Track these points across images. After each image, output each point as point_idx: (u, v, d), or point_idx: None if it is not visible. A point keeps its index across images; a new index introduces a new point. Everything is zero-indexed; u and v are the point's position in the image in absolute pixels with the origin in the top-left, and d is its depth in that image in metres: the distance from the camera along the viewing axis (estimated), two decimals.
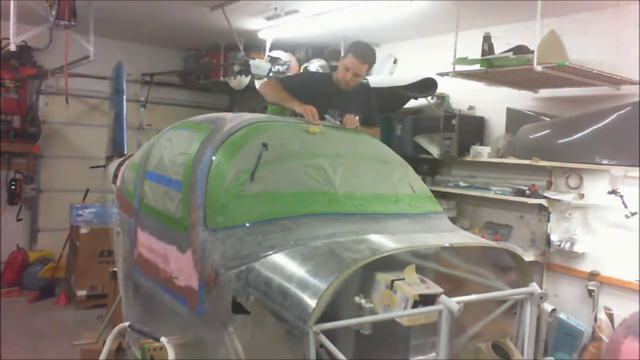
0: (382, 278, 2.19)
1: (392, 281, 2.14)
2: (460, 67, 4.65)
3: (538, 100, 5.16)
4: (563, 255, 4.80)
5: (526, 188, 4.78)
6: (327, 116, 3.64)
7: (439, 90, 5.59)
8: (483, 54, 4.55)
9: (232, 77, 6.47)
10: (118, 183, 3.98)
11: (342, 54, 4.34)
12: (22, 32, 5.26)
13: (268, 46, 6.31)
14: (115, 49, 7.44)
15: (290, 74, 6.47)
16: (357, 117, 3.59)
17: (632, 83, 4.35)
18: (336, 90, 3.79)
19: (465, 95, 5.62)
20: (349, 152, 3.14)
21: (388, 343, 2.36)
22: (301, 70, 6.79)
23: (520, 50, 4.31)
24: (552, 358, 4.33)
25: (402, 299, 2.08)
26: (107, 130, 6.36)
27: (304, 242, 2.40)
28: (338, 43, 6.65)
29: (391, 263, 2.23)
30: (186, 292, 2.74)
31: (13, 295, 6.71)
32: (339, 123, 3.59)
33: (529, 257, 4.76)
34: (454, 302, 1.97)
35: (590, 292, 4.55)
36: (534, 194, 4.72)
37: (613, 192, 4.34)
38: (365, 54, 3.73)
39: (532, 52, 4.05)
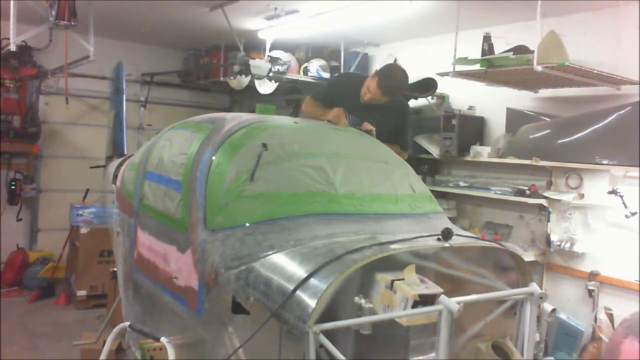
0: (382, 278, 2.19)
1: (392, 281, 2.14)
2: (460, 67, 4.65)
3: (538, 100, 5.16)
4: (563, 255, 4.80)
5: (526, 188, 4.77)
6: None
7: (439, 90, 5.60)
8: (483, 54, 4.55)
9: (232, 77, 6.47)
10: (118, 183, 3.98)
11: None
12: (22, 32, 5.25)
13: (268, 46, 6.31)
14: (115, 49, 7.44)
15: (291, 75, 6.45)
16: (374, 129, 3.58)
17: (632, 83, 4.35)
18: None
19: (465, 95, 5.62)
20: (348, 152, 3.14)
21: (388, 343, 2.35)
22: (300, 71, 6.80)
23: (520, 50, 4.31)
24: (552, 358, 4.33)
25: (402, 299, 2.08)
26: (107, 130, 6.37)
27: (303, 242, 2.40)
28: (338, 43, 6.65)
29: (391, 263, 2.23)
30: (186, 292, 2.74)
31: (13, 295, 6.71)
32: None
33: (529, 257, 4.75)
34: (454, 303, 1.97)
35: (590, 292, 4.55)
36: (534, 194, 4.72)
37: (613, 192, 4.34)
38: (389, 90, 3.59)
39: (532, 52, 4.04)
